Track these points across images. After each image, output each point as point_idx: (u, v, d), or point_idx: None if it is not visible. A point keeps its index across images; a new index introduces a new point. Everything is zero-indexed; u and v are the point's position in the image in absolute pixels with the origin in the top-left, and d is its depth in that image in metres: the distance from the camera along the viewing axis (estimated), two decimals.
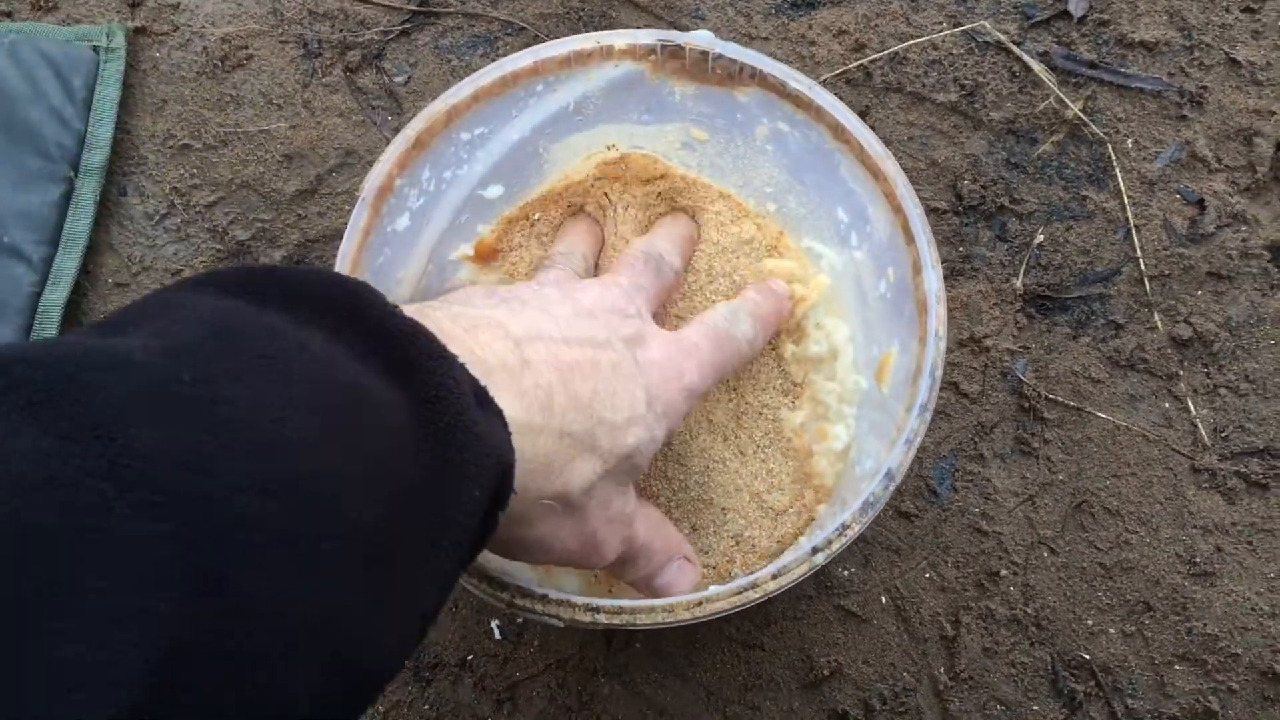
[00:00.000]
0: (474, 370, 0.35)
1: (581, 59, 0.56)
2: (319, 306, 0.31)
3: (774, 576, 0.45)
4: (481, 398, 0.34)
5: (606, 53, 0.56)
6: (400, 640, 0.31)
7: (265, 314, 0.30)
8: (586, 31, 0.80)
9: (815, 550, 0.46)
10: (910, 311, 0.52)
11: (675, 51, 0.56)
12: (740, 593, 0.45)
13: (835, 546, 0.46)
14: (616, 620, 0.44)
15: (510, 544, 0.43)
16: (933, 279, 0.51)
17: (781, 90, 0.55)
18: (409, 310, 0.36)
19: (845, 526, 0.46)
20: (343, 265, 0.50)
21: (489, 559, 0.48)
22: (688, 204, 0.62)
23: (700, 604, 0.45)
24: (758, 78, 0.56)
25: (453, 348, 0.34)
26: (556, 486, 0.41)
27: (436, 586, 0.32)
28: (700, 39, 0.56)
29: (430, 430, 0.31)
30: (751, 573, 0.47)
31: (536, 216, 0.62)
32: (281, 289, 0.31)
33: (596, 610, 0.44)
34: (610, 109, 0.59)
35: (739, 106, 0.58)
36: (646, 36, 0.56)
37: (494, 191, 0.60)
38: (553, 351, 0.42)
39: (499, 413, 0.35)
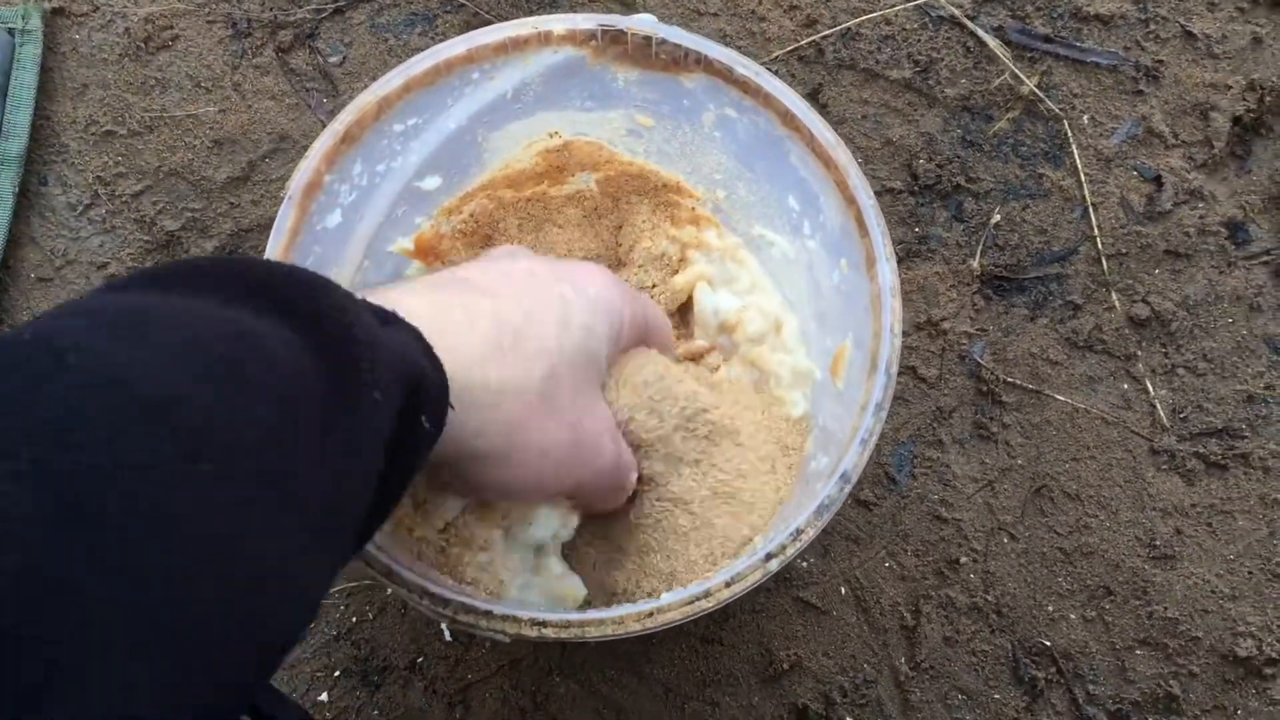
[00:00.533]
0: (385, 300, 0.38)
1: (518, 45, 0.53)
2: (199, 275, 0.32)
3: (727, 584, 0.44)
4: (385, 316, 0.36)
5: (544, 38, 0.53)
6: (314, 562, 0.30)
7: (139, 294, 0.31)
8: (527, 7, 0.77)
9: (769, 556, 0.44)
10: (864, 304, 0.50)
11: (617, 36, 0.54)
12: (692, 602, 0.43)
13: (790, 552, 0.44)
14: (565, 634, 0.42)
15: (503, 456, 0.43)
16: (887, 272, 0.49)
17: (728, 76, 0.53)
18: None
19: (799, 531, 0.44)
20: None
21: (438, 579, 0.45)
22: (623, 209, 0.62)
23: (651, 614, 0.43)
24: (703, 63, 0.53)
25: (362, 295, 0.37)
26: (515, 372, 0.42)
27: (347, 494, 0.32)
28: (643, 23, 0.53)
29: (316, 344, 0.31)
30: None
31: (476, 207, 0.60)
32: (165, 271, 0.32)
33: (543, 624, 0.42)
34: (551, 96, 0.56)
35: (685, 92, 0.55)
36: (586, 21, 0.53)
37: (431, 183, 0.57)
38: (463, 276, 0.44)
39: (409, 328, 0.37)
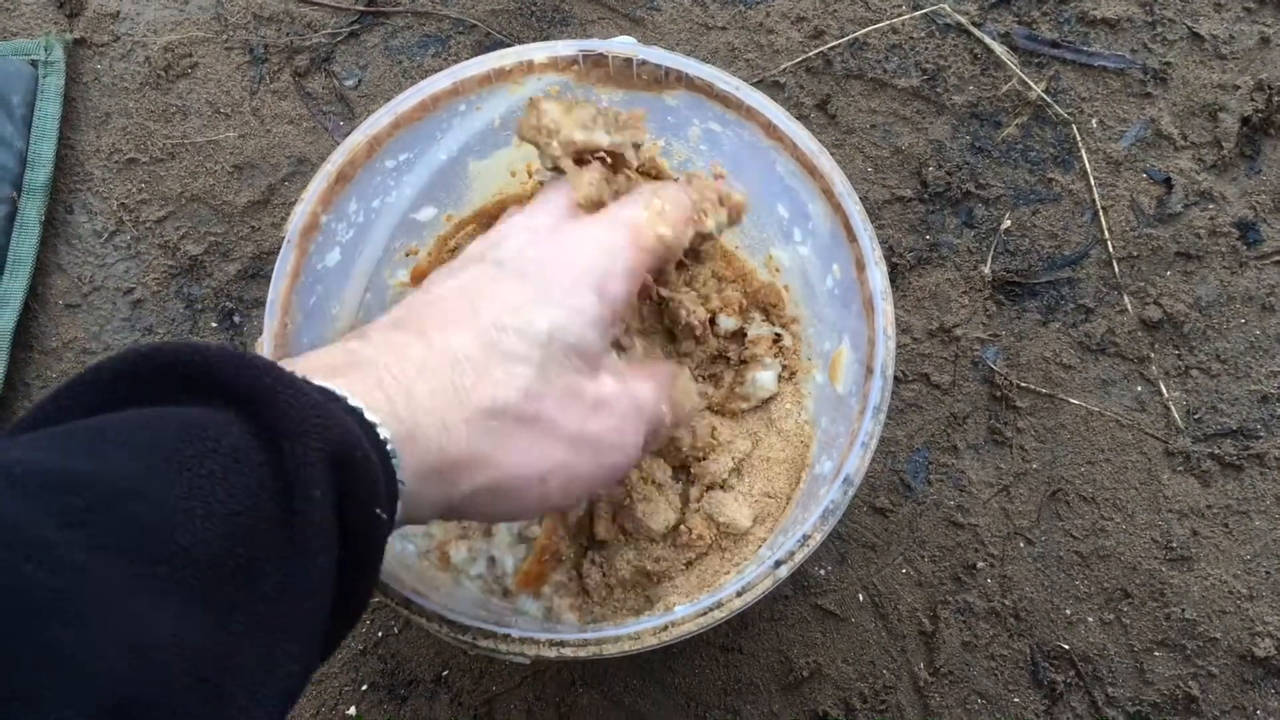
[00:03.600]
0: (364, 365, 0.36)
1: (502, 75, 0.55)
2: (135, 384, 0.31)
3: (739, 594, 0.44)
4: (330, 396, 0.34)
5: (527, 67, 0.55)
6: (273, 661, 0.29)
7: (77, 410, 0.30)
8: (538, 27, 0.79)
9: (778, 564, 0.45)
10: (858, 308, 0.51)
11: (598, 60, 0.55)
12: (706, 613, 0.44)
13: (798, 558, 0.45)
14: (583, 652, 0.43)
15: (495, 495, 0.39)
16: (877, 276, 0.50)
17: (709, 91, 0.54)
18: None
19: (807, 537, 0.45)
20: (273, 310, 0.50)
21: (451, 603, 0.46)
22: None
23: (666, 628, 0.44)
24: (684, 81, 0.55)
25: (348, 355, 0.36)
26: (482, 402, 0.38)
27: (303, 600, 0.30)
28: (622, 46, 0.55)
29: (262, 436, 0.30)
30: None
31: (463, 240, 0.61)
32: (90, 394, 0.31)
33: (562, 644, 0.43)
34: None
35: (668, 109, 0.57)
36: (567, 48, 0.55)
37: (426, 214, 0.59)
38: (414, 300, 0.41)
39: (352, 414, 0.34)
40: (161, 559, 0.26)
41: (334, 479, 0.31)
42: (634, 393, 0.44)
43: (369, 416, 0.34)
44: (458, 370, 0.38)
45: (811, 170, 0.53)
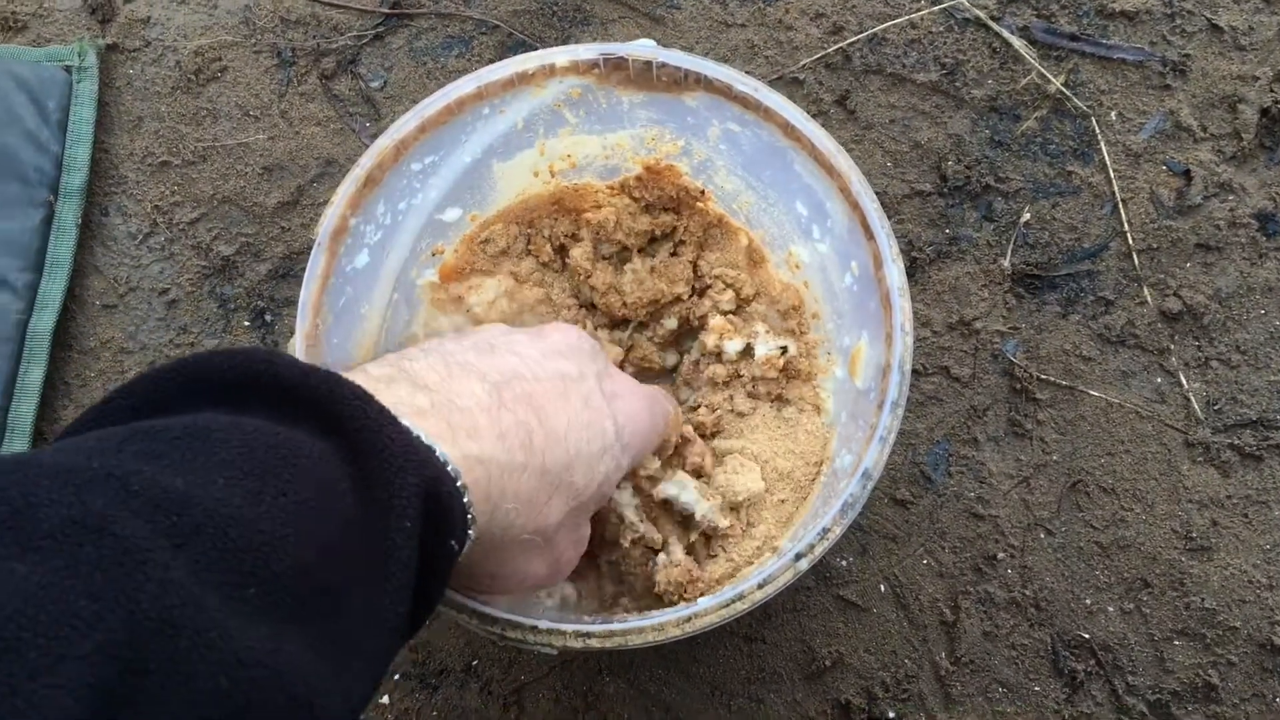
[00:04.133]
0: (455, 416, 0.38)
1: (525, 79, 0.56)
2: (241, 389, 0.33)
3: (760, 586, 0.46)
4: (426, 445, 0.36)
5: (549, 71, 0.56)
6: (352, 679, 0.32)
7: (185, 412, 0.32)
8: (560, 26, 0.80)
9: (799, 556, 0.46)
10: (875, 305, 0.52)
11: (619, 63, 0.56)
12: (728, 605, 0.46)
13: (818, 550, 0.46)
14: (609, 644, 0.44)
15: (486, 579, 0.45)
16: (894, 274, 0.51)
17: (728, 93, 0.55)
18: (381, 364, 0.40)
19: (826, 530, 0.46)
20: (304, 312, 0.51)
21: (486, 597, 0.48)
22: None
23: (690, 619, 0.45)
24: (703, 82, 0.56)
25: (430, 396, 0.38)
26: (538, 522, 0.43)
27: (382, 623, 0.33)
28: (642, 49, 0.56)
29: (358, 470, 0.33)
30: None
31: (497, 233, 0.63)
32: (196, 383, 0.33)
33: (588, 635, 0.44)
34: (559, 123, 0.59)
35: (688, 110, 0.58)
36: (588, 51, 0.56)
37: (452, 215, 0.60)
38: (527, 390, 0.44)
39: (425, 445, 0.37)
40: (252, 583, 0.28)
41: (423, 511, 0.34)
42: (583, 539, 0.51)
43: (451, 471, 0.37)
44: (544, 480, 0.42)
45: (829, 169, 0.54)
